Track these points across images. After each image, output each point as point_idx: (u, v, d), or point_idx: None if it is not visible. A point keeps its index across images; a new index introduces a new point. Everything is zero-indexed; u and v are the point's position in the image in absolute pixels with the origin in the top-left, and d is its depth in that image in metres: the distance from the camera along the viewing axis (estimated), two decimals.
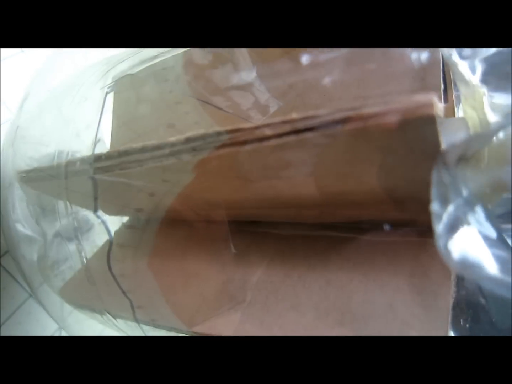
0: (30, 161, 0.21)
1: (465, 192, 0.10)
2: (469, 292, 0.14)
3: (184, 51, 0.21)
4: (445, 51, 0.13)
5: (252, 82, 0.18)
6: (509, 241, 0.10)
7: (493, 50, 0.12)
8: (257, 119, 0.18)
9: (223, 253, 0.19)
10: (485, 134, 0.12)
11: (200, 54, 0.20)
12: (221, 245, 0.19)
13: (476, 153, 0.11)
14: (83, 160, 0.18)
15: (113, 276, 0.21)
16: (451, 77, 0.17)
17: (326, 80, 0.16)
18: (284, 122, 0.12)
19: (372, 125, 0.11)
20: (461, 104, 0.17)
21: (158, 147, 0.15)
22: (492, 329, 0.14)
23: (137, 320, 0.19)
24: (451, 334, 0.13)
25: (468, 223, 0.10)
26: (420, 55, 0.15)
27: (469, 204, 0.10)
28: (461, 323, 0.14)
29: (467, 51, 0.13)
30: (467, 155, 0.10)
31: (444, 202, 0.10)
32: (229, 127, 0.13)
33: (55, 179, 0.19)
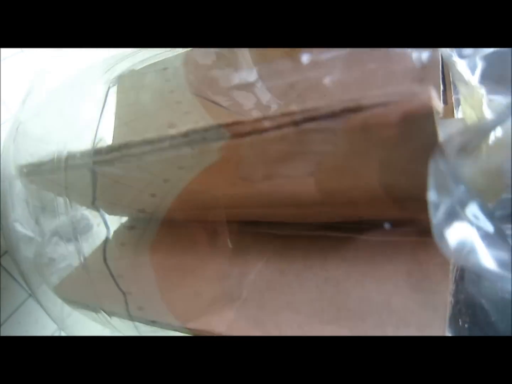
0: (31, 158, 0.21)
1: (463, 184, 0.10)
2: (468, 292, 0.14)
3: (185, 51, 0.21)
4: (445, 51, 0.13)
5: (253, 82, 0.18)
6: (509, 240, 0.10)
7: (492, 49, 0.12)
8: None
9: (220, 252, 0.19)
10: (484, 126, 0.12)
11: (201, 54, 0.20)
12: (219, 243, 0.19)
13: (475, 146, 0.11)
14: (83, 153, 0.18)
15: (112, 276, 0.21)
16: (450, 79, 0.17)
17: (327, 80, 0.16)
18: (284, 115, 0.12)
19: (371, 120, 0.11)
20: (460, 107, 0.17)
21: (158, 140, 0.15)
22: (491, 329, 0.14)
23: (131, 317, 0.19)
24: (449, 334, 0.13)
25: (465, 213, 0.10)
26: (420, 55, 0.15)
27: (467, 196, 0.10)
28: (460, 323, 0.14)
29: (467, 50, 0.13)
30: (466, 147, 0.11)
31: (442, 192, 0.10)
32: (229, 120, 0.13)
33: (55, 172, 0.19)
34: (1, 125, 0.32)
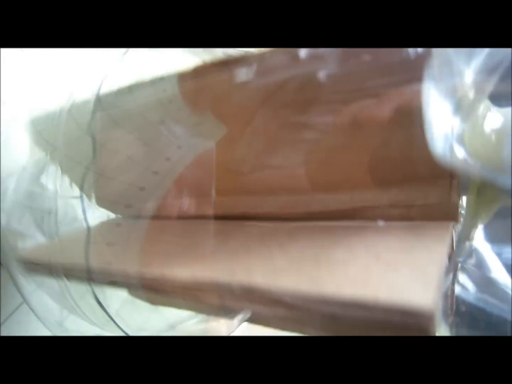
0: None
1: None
2: (468, 292, 0.14)
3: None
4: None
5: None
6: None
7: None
8: None
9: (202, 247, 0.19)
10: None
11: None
12: (201, 240, 0.19)
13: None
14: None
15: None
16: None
17: (322, 73, 0.15)
18: None
19: (364, 119, 0.11)
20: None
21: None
22: (491, 329, 0.14)
23: (89, 273, 0.19)
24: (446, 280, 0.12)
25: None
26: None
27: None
28: (460, 323, 0.14)
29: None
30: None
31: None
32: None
33: (57, 117, 0.20)
34: (1, 125, 0.32)
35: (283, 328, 0.14)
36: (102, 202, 0.22)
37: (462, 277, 0.13)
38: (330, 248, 0.15)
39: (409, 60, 0.13)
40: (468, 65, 0.11)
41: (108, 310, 0.20)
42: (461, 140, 0.11)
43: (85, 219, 0.21)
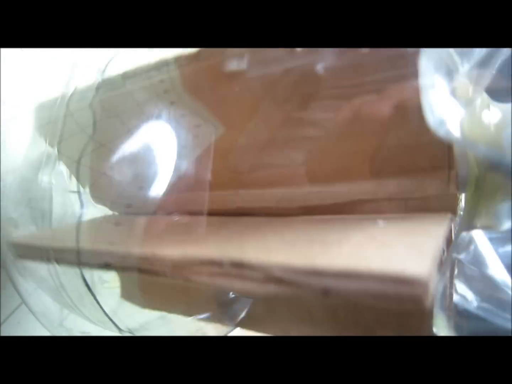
0: None
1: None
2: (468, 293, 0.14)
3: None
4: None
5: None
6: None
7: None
8: None
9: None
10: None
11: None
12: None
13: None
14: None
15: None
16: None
17: (320, 67, 0.15)
18: None
19: (363, 107, 0.11)
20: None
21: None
22: (491, 329, 0.14)
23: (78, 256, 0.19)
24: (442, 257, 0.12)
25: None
26: None
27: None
28: (459, 323, 0.14)
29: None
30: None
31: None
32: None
33: (57, 106, 0.20)
34: (1, 125, 0.32)
35: (273, 322, 0.14)
36: (98, 192, 0.22)
37: (460, 287, 0.13)
38: (324, 231, 0.14)
39: (408, 54, 0.13)
40: (467, 60, 0.11)
41: (103, 308, 0.20)
42: (460, 126, 0.11)
43: (80, 198, 0.21)
